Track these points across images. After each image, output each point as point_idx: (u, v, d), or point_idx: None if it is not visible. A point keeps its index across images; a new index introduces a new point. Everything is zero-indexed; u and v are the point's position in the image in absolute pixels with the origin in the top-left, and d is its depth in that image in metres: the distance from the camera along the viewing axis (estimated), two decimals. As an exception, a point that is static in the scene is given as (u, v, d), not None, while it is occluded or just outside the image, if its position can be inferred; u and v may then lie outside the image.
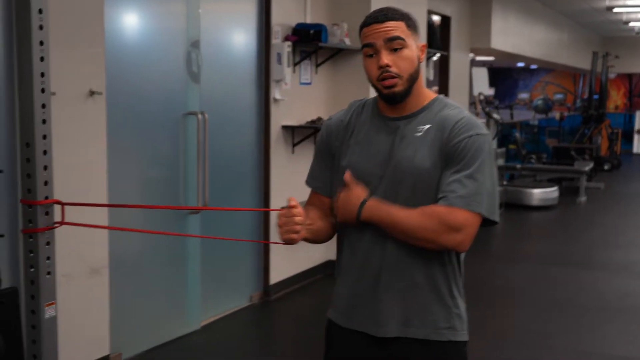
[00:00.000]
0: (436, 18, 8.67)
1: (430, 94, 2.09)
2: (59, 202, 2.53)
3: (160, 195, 4.54)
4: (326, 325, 2.20)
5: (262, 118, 5.49)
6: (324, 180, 2.17)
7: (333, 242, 6.71)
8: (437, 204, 1.93)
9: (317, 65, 6.03)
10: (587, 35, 16.43)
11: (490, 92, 17.48)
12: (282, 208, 2.00)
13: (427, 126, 2.01)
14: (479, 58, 15.90)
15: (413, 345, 2.02)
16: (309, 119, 5.95)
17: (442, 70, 9.02)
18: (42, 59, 2.49)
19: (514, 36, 10.93)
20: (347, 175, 1.99)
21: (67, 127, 3.57)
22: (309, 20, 5.84)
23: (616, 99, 22.70)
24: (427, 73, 7.82)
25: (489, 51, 10.52)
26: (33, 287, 2.57)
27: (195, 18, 4.64)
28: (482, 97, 10.91)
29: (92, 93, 3.80)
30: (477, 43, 9.82)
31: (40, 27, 2.35)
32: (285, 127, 5.67)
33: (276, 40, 5.45)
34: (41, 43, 2.46)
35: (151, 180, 4.49)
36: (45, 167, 2.54)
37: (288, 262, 5.86)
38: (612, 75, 17.47)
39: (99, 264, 3.96)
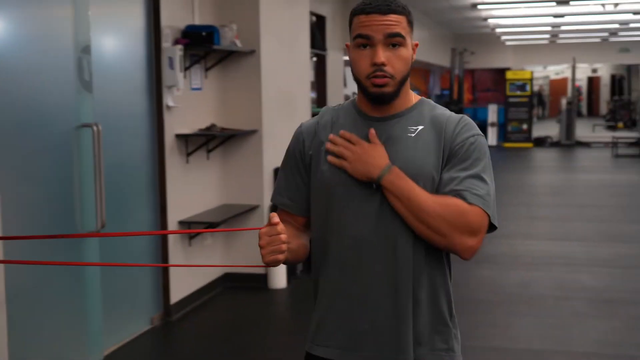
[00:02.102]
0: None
1: (414, 94, 1.94)
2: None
3: (56, 217, 4.11)
4: None
5: (155, 127, 5.13)
6: (293, 197, 1.96)
7: (230, 252, 6.33)
8: (456, 198, 1.77)
9: (207, 70, 5.73)
10: (444, 33, 16.95)
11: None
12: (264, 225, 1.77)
13: (420, 127, 1.86)
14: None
15: None
16: (202, 127, 5.65)
17: (319, 70, 8.93)
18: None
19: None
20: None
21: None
22: (197, 22, 5.54)
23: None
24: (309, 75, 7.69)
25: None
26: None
27: (84, 21, 4.24)
28: (355, 97, 10.92)
29: (-21, 107, 3.35)
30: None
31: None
32: (178, 136, 5.34)
33: (166, 43, 5.12)
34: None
35: (46, 201, 4.05)
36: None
37: (187, 279, 5.54)
38: (457, 72, 18.10)
39: (-5, 300, 3.51)
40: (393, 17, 1.79)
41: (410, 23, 1.84)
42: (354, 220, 1.84)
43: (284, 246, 1.72)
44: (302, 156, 1.94)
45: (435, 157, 1.83)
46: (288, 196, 1.97)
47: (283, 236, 1.72)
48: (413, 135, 1.85)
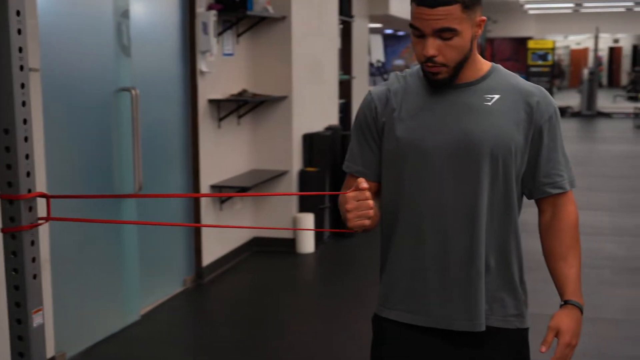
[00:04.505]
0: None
1: (485, 61, 1.91)
2: (44, 195, 2.20)
3: (96, 178, 4.19)
4: (379, 329, 1.96)
5: (189, 92, 5.18)
6: (366, 164, 1.94)
7: (259, 216, 6.37)
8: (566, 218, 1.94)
9: (239, 36, 5.76)
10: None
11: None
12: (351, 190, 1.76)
13: (496, 96, 1.84)
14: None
15: (480, 335, 1.88)
16: (233, 92, 5.69)
17: (345, 37, 8.90)
18: (19, 31, 2.14)
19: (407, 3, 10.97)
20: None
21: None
22: (229, -13, 5.55)
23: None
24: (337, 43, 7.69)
25: (387, 18, 10.49)
26: (18, 293, 2.23)
27: (123, -15, 4.28)
28: (380, 64, 10.90)
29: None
30: (375, 10, 9.76)
31: (16, -6, 2.02)
32: (211, 101, 5.38)
33: (201, 8, 5.14)
34: (18, 13, 2.12)
35: (86, 163, 4.13)
36: (27, 156, 2.20)
37: (218, 242, 5.63)
38: (479, 40, 17.95)
39: (41, 259, 3.60)
40: (441, 10, 1.72)
41: (467, 8, 1.74)
42: (430, 188, 1.83)
43: (371, 212, 1.72)
44: (375, 122, 1.91)
45: (516, 128, 1.83)
46: (362, 163, 1.95)
47: (370, 202, 1.71)
48: (490, 103, 1.83)
